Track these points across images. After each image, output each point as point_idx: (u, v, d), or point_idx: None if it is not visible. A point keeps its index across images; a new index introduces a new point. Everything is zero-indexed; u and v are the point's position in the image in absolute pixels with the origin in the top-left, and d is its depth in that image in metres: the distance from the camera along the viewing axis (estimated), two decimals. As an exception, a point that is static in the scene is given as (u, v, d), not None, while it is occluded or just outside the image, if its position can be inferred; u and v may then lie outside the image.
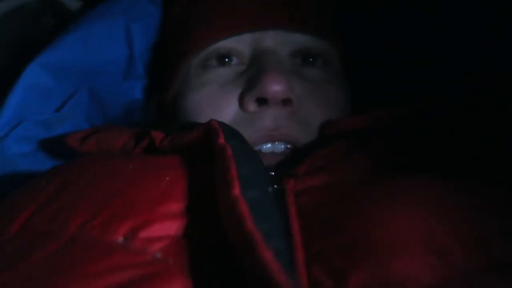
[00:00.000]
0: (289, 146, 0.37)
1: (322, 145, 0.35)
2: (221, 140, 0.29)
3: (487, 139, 0.33)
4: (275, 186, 0.30)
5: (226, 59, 0.40)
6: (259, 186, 0.26)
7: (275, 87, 0.35)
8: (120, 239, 0.25)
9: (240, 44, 0.40)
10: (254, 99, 0.37)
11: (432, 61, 0.43)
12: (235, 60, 0.40)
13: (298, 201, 0.29)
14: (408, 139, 0.35)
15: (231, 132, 0.31)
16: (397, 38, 0.46)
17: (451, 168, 0.31)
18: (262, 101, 0.37)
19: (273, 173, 0.32)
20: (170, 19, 0.47)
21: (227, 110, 0.38)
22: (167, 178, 0.29)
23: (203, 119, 0.37)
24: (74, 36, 0.45)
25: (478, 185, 0.28)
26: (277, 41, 0.40)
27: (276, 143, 0.37)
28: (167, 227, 0.26)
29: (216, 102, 0.38)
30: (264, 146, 0.37)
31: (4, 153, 0.42)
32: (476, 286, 0.23)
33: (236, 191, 0.24)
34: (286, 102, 0.37)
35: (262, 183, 0.27)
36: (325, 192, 0.29)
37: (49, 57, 0.44)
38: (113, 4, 0.48)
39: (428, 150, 0.34)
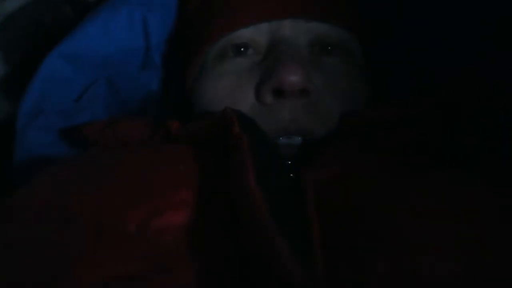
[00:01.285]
0: (306, 138, 0.37)
1: (339, 136, 0.34)
2: (236, 129, 0.29)
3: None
4: (292, 176, 0.29)
5: (243, 49, 0.40)
6: (275, 176, 0.26)
7: (292, 77, 0.34)
8: (131, 228, 0.25)
9: (257, 33, 0.40)
10: (270, 90, 0.36)
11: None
12: (251, 50, 0.40)
13: (317, 191, 0.28)
14: (429, 131, 0.34)
15: (246, 121, 0.30)
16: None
17: (479, 165, 0.30)
18: (278, 92, 0.36)
19: (290, 163, 0.31)
20: (187, 9, 0.47)
21: (243, 102, 0.37)
22: (181, 167, 0.29)
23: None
24: (94, 24, 0.45)
25: (506, 183, 0.27)
26: (295, 30, 0.39)
27: (293, 136, 0.36)
28: (179, 217, 0.26)
29: (233, 94, 0.38)
30: (281, 139, 0.36)
31: (25, 143, 0.43)
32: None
33: (252, 182, 0.24)
34: (303, 93, 0.36)
35: (279, 174, 0.27)
36: (343, 182, 0.29)
37: (69, 46, 0.45)
38: None
39: (451, 144, 0.33)
